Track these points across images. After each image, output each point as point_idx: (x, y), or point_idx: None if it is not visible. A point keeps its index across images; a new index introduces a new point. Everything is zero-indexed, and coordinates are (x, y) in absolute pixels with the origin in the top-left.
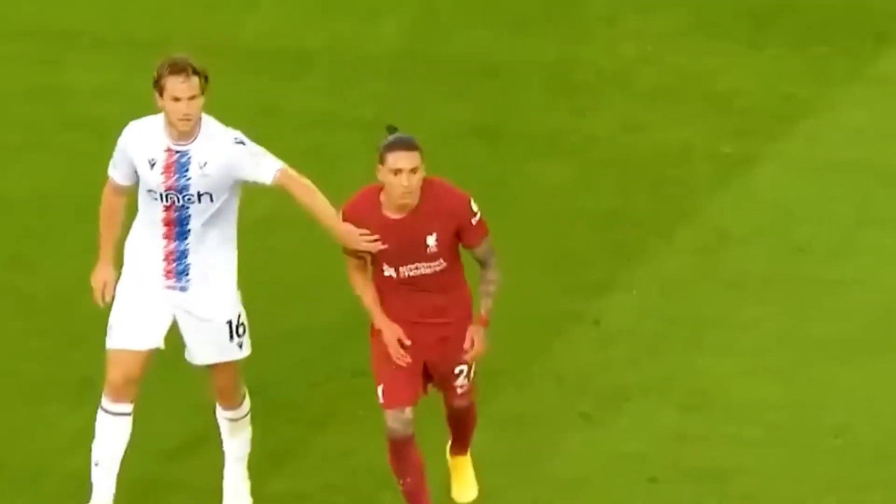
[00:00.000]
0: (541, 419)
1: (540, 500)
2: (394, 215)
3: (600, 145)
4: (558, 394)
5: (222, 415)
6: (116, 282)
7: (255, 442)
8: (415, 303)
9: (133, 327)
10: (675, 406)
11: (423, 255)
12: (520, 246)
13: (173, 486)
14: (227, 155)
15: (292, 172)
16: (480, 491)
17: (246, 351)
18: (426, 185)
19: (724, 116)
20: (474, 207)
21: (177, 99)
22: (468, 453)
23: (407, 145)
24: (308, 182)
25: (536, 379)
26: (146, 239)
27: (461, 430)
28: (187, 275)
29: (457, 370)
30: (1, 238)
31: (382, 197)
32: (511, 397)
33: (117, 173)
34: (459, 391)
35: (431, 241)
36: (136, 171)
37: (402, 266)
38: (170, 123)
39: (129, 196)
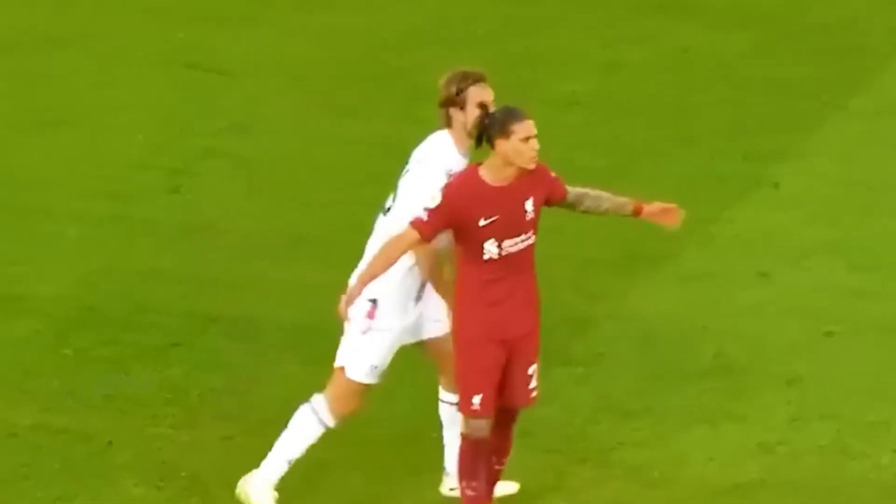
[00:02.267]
0: (721, 276)
1: (723, 352)
2: (498, 184)
3: (776, 15)
4: (738, 253)
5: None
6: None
7: None
8: (513, 288)
9: (386, 366)
10: (851, 265)
11: (523, 223)
12: (701, 113)
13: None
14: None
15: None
16: (662, 341)
17: None
18: None
19: None
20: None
21: (484, 105)
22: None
23: (528, 114)
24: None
25: (718, 238)
26: (402, 276)
27: (503, 448)
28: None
29: (530, 370)
30: (223, 106)
31: (482, 171)
32: (693, 255)
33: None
34: (533, 394)
35: (529, 205)
36: None
37: (507, 239)
38: (467, 135)
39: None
